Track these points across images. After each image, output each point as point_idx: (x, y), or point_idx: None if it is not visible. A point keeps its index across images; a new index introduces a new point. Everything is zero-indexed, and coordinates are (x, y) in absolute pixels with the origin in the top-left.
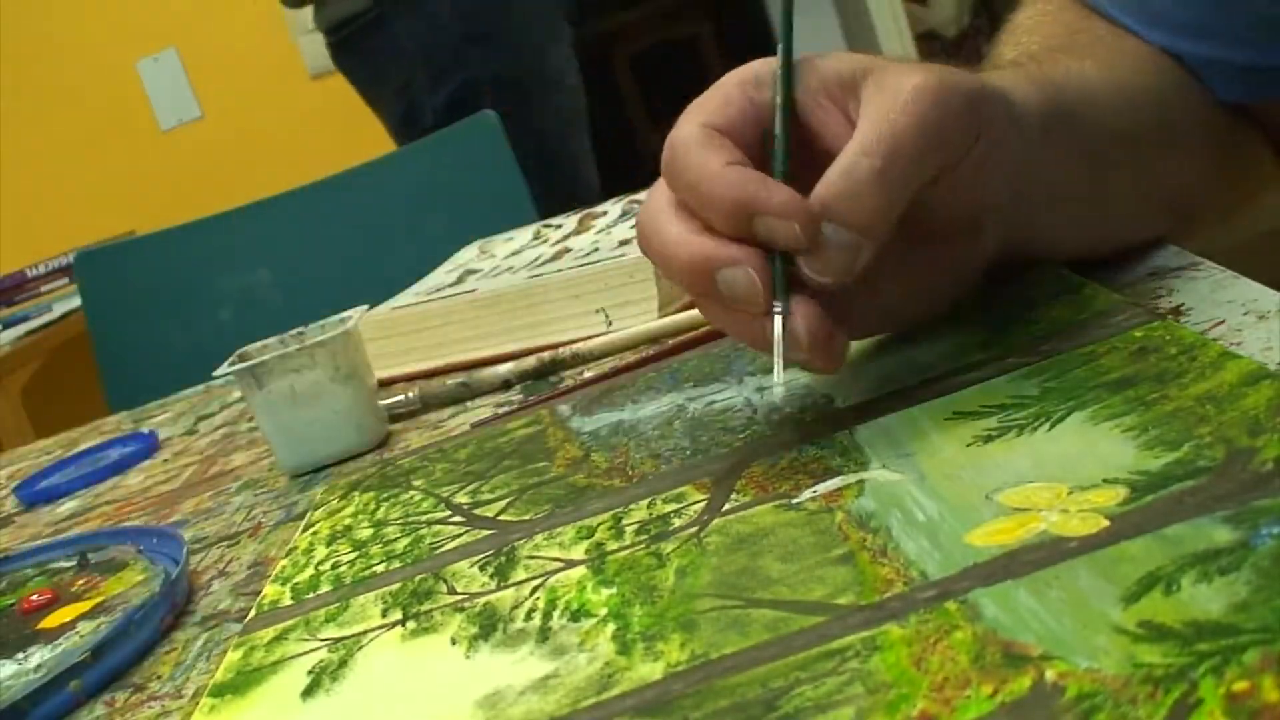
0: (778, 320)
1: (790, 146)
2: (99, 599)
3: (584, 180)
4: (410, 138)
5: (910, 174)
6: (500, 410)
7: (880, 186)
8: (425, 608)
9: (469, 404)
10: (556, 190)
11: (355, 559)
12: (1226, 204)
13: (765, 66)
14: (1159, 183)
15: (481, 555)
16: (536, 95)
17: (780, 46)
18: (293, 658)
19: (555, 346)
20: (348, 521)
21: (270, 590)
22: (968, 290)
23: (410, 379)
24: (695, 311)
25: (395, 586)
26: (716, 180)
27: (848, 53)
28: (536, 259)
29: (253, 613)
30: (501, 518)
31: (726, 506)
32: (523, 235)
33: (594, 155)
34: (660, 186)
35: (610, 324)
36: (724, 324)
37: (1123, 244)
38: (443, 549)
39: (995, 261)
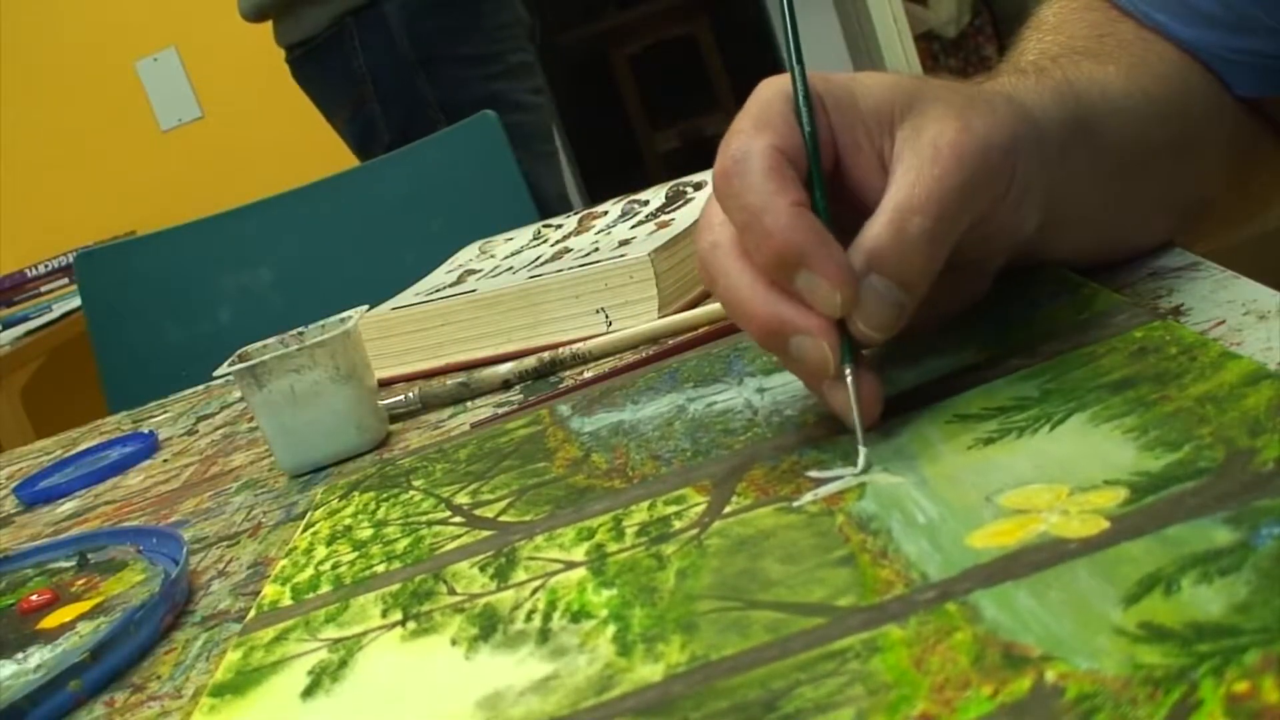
0: (850, 385)
1: (827, 194)
2: (99, 599)
3: (541, 195)
4: (369, 156)
5: (954, 232)
6: (500, 410)
7: (930, 245)
8: (425, 608)
9: (469, 404)
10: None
11: (355, 559)
12: (1243, 208)
13: (813, 86)
14: (1177, 190)
15: (482, 556)
16: None
17: (805, 118)
18: (293, 658)
19: (555, 346)
20: (348, 522)
21: (270, 590)
22: (974, 301)
23: (410, 379)
24: (695, 311)
25: (395, 587)
26: (781, 218)
27: (884, 78)
28: (536, 259)
29: (253, 613)
30: (502, 518)
31: (727, 509)
32: (523, 235)
33: (566, 158)
34: (716, 210)
35: (610, 324)
36: (791, 369)
37: (1138, 250)
38: (443, 549)
39: (1006, 269)
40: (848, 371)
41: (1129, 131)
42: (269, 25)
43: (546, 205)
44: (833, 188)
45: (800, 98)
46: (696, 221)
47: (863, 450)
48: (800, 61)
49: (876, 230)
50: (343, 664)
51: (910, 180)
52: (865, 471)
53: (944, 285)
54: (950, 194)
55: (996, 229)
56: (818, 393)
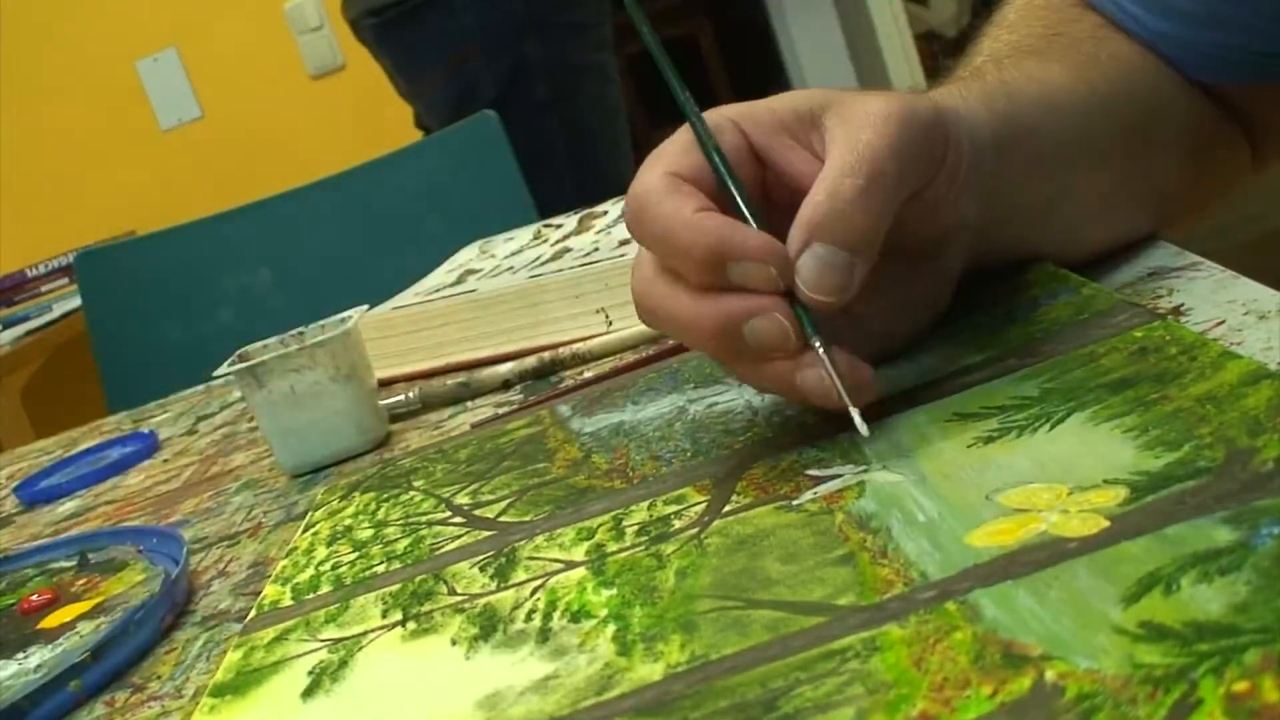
0: (822, 355)
1: (746, 189)
2: (99, 599)
3: (617, 173)
4: (465, 113)
5: (890, 191)
6: (500, 410)
7: (866, 203)
8: (425, 608)
9: (469, 404)
10: (587, 182)
11: (355, 559)
12: (1203, 199)
13: (717, 118)
14: (1136, 184)
15: (482, 556)
16: (588, 85)
17: (685, 107)
18: (293, 658)
19: (555, 346)
20: (348, 522)
21: (270, 590)
22: (941, 307)
23: (410, 379)
24: None
25: (395, 587)
26: (689, 228)
27: (800, 90)
28: (536, 259)
29: (253, 613)
30: (502, 519)
31: (727, 508)
32: (523, 235)
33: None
34: (644, 255)
35: (610, 324)
36: (761, 380)
37: (1104, 245)
38: (443, 550)
39: (974, 270)
40: (818, 345)
41: (1072, 128)
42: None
43: (618, 189)
44: (771, 201)
45: (692, 116)
46: None
47: (857, 415)
48: (684, 86)
49: (812, 200)
50: (343, 664)
51: (841, 150)
52: (869, 444)
53: (905, 289)
54: (882, 152)
55: (937, 202)
56: (795, 389)
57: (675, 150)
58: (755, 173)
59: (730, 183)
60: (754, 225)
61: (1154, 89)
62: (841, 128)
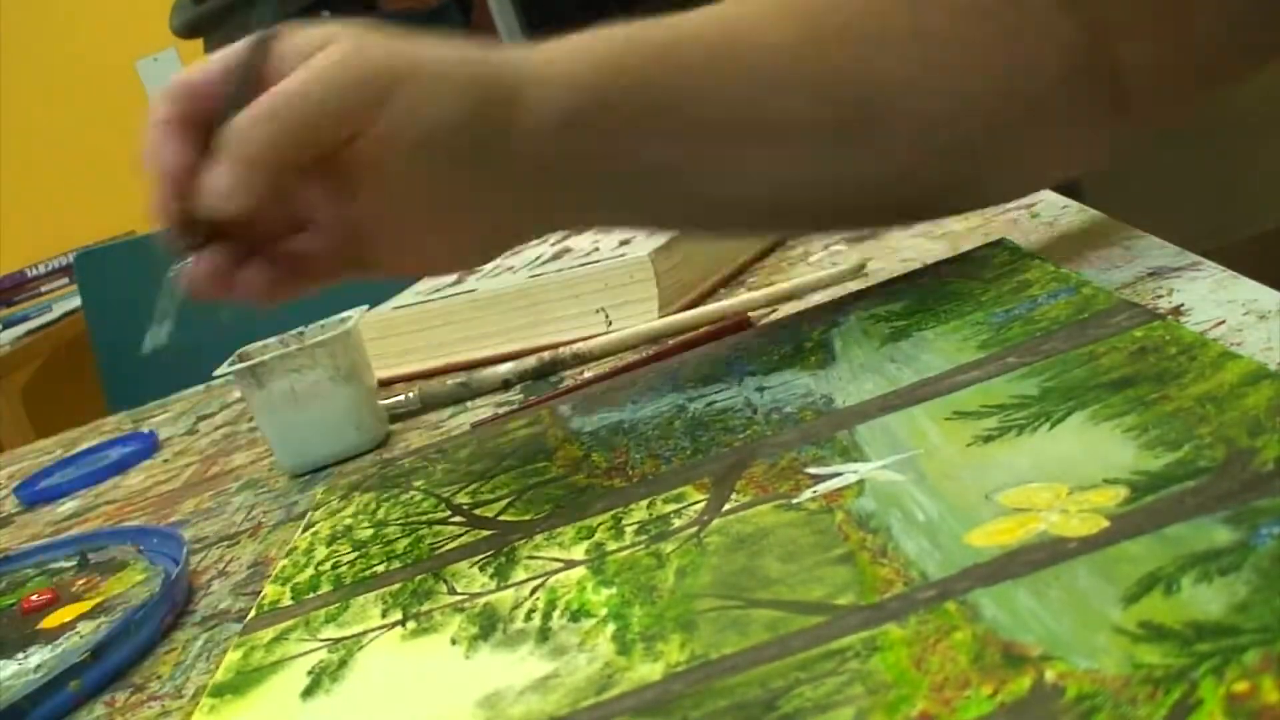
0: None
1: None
2: (99, 599)
3: None
4: None
5: (303, 119)
6: (500, 410)
7: (267, 124)
8: (425, 608)
9: (469, 404)
10: None
11: (355, 559)
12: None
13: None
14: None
15: (482, 555)
16: None
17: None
18: (293, 658)
19: (555, 346)
20: (348, 522)
21: (270, 590)
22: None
23: (410, 379)
24: (695, 311)
25: (395, 587)
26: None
27: (329, 26)
28: (536, 259)
29: (253, 613)
30: (502, 518)
31: (726, 507)
32: None
33: None
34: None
35: (610, 324)
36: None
37: (720, 230)
38: (443, 549)
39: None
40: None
41: (711, 100)
42: None
43: None
44: None
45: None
46: None
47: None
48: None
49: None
50: (343, 664)
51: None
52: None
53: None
54: (303, 83)
55: (387, 131)
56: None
57: (179, 89)
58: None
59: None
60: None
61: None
62: (302, 57)
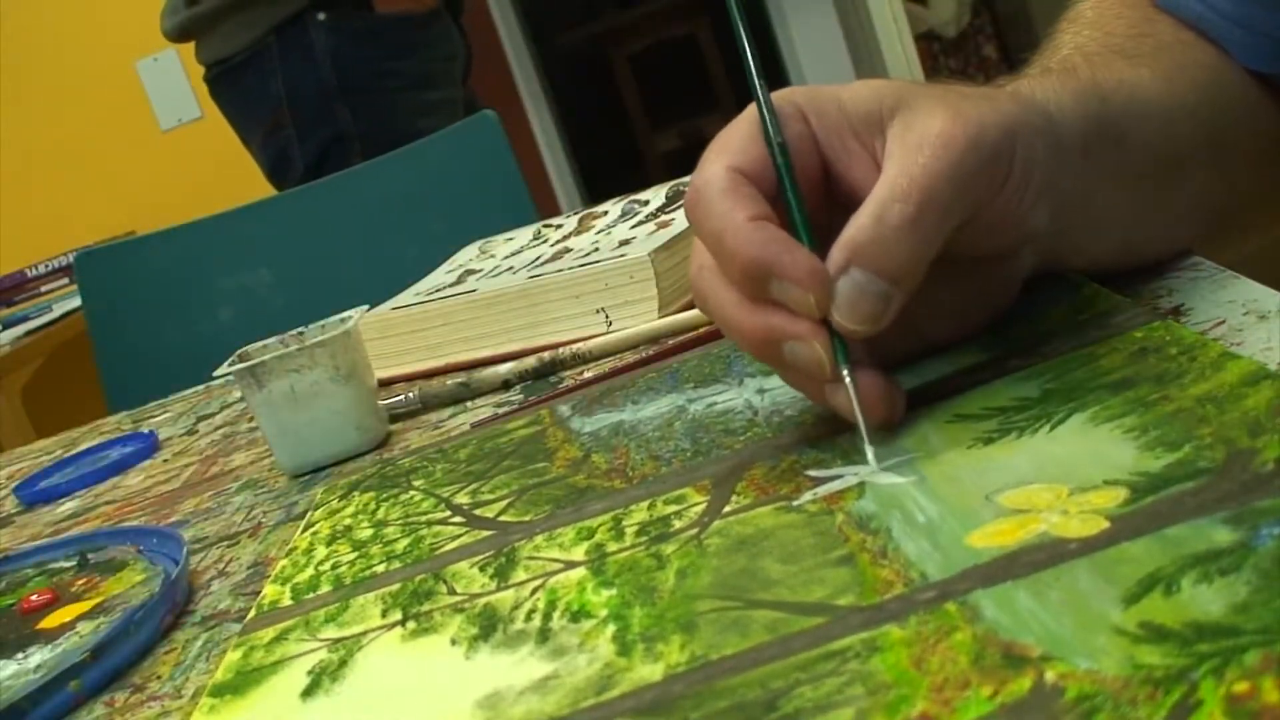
0: (849, 383)
1: (802, 200)
2: (99, 599)
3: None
4: (282, 185)
5: (942, 220)
6: (500, 410)
7: (913, 234)
8: (425, 608)
9: (469, 404)
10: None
11: (355, 559)
12: (1273, 215)
13: (784, 102)
14: (1209, 196)
15: (482, 556)
16: None
17: (768, 125)
18: (293, 658)
19: (555, 346)
20: (348, 522)
21: (270, 590)
22: (1002, 308)
23: (410, 379)
24: (695, 311)
25: (395, 587)
26: (738, 235)
27: (872, 83)
28: (536, 259)
29: (253, 613)
30: (502, 518)
31: (727, 508)
32: (523, 235)
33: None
34: (700, 243)
35: (610, 324)
36: (798, 389)
37: (1161, 257)
38: (443, 549)
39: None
40: (845, 372)
41: (1160, 136)
42: None
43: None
44: (831, 196)
45: (764, 109)
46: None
47: (869, 449)
48: (761, 75)
49: (856, 222)
50: (343, 664)
51: (895, 171)
52: (877, 472)
53: (968, 291)
54: (936, 180)
55: (1000, 218)
56: (824, 402)
57: (740, 140)
58: (817, 162)
59: (790, 193)
60: (805, 240)
61: (1236, 98)
62: (901, 144)
